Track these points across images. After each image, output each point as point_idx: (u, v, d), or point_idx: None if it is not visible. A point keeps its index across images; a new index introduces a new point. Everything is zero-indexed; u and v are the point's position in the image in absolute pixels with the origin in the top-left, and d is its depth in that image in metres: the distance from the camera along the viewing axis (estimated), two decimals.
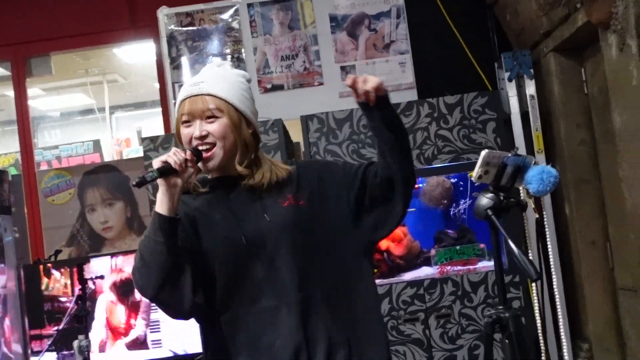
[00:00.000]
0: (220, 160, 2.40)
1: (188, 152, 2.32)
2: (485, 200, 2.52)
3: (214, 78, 2.46)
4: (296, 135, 4.90)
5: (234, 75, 2.49)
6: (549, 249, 4.04)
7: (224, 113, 2.39)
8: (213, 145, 2.39)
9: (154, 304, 2.65)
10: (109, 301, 4.27)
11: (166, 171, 2.27)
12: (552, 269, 4.62)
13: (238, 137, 2.40)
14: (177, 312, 2.37)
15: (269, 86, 5.03)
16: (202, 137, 2.38)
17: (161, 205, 2.27)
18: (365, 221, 2.44)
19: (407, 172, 2.40)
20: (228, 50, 5.06)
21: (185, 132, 2.41)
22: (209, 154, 2.38)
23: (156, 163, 2.28)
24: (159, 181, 2.27)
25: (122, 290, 4.22)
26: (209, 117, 2.39)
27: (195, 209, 2.45)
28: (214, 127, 2.38)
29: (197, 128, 2.39)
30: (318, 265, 2.39)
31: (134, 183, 2.26)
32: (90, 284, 4.05)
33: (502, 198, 2.51)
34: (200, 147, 2.38)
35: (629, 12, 3.59)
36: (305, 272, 2.37)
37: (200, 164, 2.39)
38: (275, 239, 2.37)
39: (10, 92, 6.41)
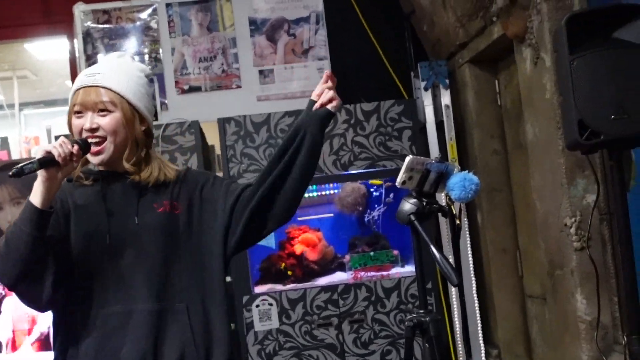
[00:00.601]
0: (110, 155, 2.35)
1: (75, 147, 2.23)
2: (408, 205, 2.55)
3: (111, 70, 2.41)
4: (213, 138, 4.87)
5: (132, 69, 2.45)
6: (469, 255, 4.11)
7: (117, 107, 2.35)
8: (104, 139, 2.34)
9: None
10: (14, 302, 4.19)
11: (48, 162, 2.19)
12: (468, 276, 4.71)
13: (129, 133, 2.36)
14: (33, 303, 2.31)
15: (186, 87, 4.99)
16: (92, 130, 2.33)
17: (35, 196, 2.20)
18: (232, 238, 2.41)
19: (292, 202, 2.41)
20: (146, 50, 5.00)
21: (76, 122, 2.35)
22: (98, 148, 2.33)
23: (39, 152, 2.20)
24: (42, 172, 2.19)
25: None
26: (101, 110, 2.34)
27: (73, 199, 2.40)
28: (106, 121, 2.33)
29: (88, 120, 2.33)
30: (182, 276, 2.36)
31: (11, 173, 2.16)
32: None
33: (424, 204, 2.54)
34: (90, 140, 2.32)
35: (544, 26, 3.68)
36: (166, 282, 2.34)
37: (89, 156, 2.34)
38: (140, 242, 2.34)
39: None
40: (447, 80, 4.91)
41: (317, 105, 2.43)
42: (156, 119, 4.87)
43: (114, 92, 2.35)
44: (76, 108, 2.35)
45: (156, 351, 2.29)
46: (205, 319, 2.35)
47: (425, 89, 4.91)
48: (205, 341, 2.34)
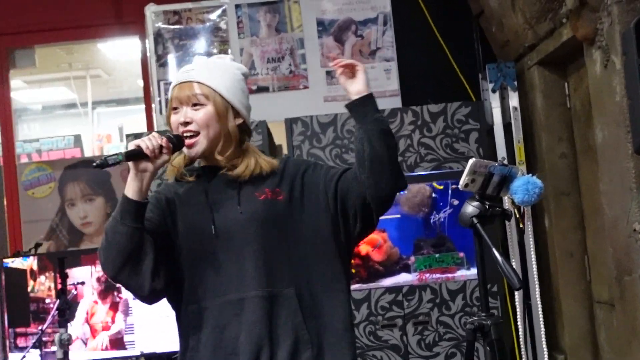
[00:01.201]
0: (204, 148, 2.41)
1: (164, 139, 2.31)
2: (471, 208, 2.55)
3: (205, 66, 2.47)
4: (280, 138, 4.91)
5: (227, 66, 2.50)
6: (533, 259, 4.09)
7: (210, 101, 2.40)
8: (197, 133, 2.40)
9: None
10: (91, 301, 4.27)
11: (135, 155, 2.27)
12: (532, 280, 4.66)
13: (222, 127, 2.41)
14: (136, 293, 2.39)
15: (254, 87, 5.04)
16: (186, 124, 2.39)
17: (129, 188, 2.29)
18: (342, 226, 2.43)
19: (387, 187, 2.37)
20: (215, 50, 5.05)
21: (173, 118, 2.43)
22: (192, 141, 2.40)
23: (130, 145, 2.29)
24: (130, 164, 2.27)
25: (104, 288, 4.23)
26: (195, 105, 2.40)
27: (177, 195, 2.47)
28: (198, 115, 2.39)
29: (182, 114, 2.40)
30: (289, 261, 2.39)
31: (95, 164, 2.25)
32: (72, 289, 4.07)
33: (487, 207, 2.54)
34: (185, 134, 2.39)
35: (614, 28, 3.63)
36: (274, 267, 2.37)
37: (185, 150, 2.41)
38: (245, 231, 2.38)
39: None
40: (516, 82, 4.87)
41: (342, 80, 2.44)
42: None
43: (207, 86, 2.41)
44: (173, 104, 2.44)
45: (271, 336, 2.34)
46: (313, 302, 2.38)
47: (493, 91, 4.87)
48: (316, 325, 2.37)
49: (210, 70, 2.45)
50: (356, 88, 2.39)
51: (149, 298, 2.40)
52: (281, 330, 2.35)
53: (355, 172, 2.38)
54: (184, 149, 2.41)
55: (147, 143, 2.28)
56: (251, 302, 2.34)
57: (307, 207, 2.44)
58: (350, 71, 2.40)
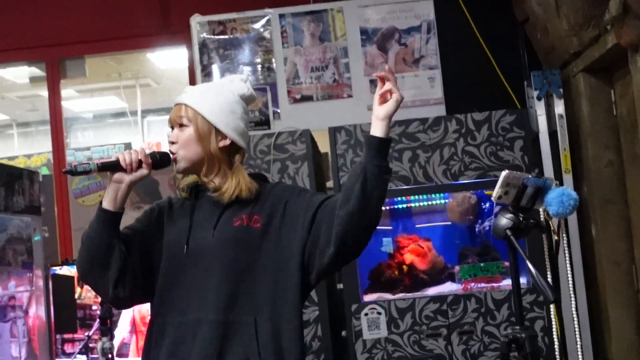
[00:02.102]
0: (184, 166, 2.48)
1: (144, 154, 2.40)
2: (504, 220, 2.54)
3: (197, 88, 2.58)
4: (324, 147, 4.92)
5: (220, 88, 2.57)
6: (568, 270, 4.01)
7: (192, 123, 2.47)
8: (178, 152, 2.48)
9: None
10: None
11: (110, 167, 2.37)
12: (574, 290, 4.60)
13: (203, 148, 2.47)
14: (103, 297, 2.55)
15: (298, 97, 5.06)
16: (171, 143, 2.49)
17: (105, 198, 2.41)
18: (312, 255, 2.42)
19: (361, 226, 2.34)
20: (259, 60, 5.09)
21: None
22: (173, 157, 2.48)
23: (113, 157, 2.40)
24: (109, 174, 2.39)
25: None
26: (180, 125, 2.48)
27: (170, 209, 2.56)
28: (181, 136, 2.47)
29: (172, 134, 2.50)
30: (254, 290, 2.40)
31: (64, 170, 2.38)
32: None
33: (521, 219, 2.52)
34: (171, 153, 2.48)
35: None
36: (236, 294, 2.39)
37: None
38: (213, 255, 2.42)
39: (44, 93, 6.49)
40: (561, 90, 4.82)
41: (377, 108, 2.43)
42: (269, 128, 4.97)
43: (191, 108, 2.48)
44: (169, 124, 2.54)
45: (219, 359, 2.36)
46: (274, 332, 2.39)
47: (539, 98, 4.82)
48: (272, 355, 2.37)
49: (200, 93, 2.54)
50: (380, 112, 2.40)
51: (114, 303, 2.55)
52: (230, 357, 2.36)
53: (335, 202, 2.38)
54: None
55: (126, 156, 2.39)
56: (207, 325, 2.38)
57: (284, 236, 2.45)
58: (389, 94, 2.42)
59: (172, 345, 2.41)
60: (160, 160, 2.45)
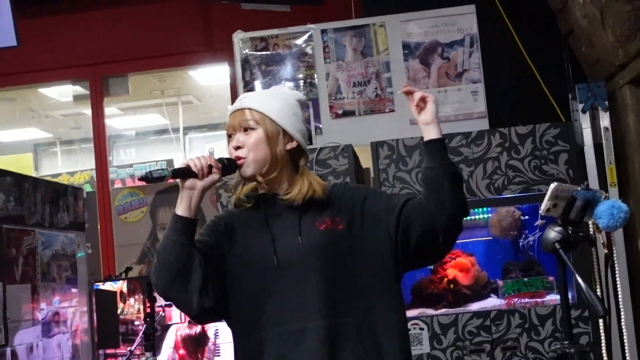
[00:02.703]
0: (252, 170, 2.44)
1: (213, 159, 2.38)
2: (553, 233, 2.50)
3: (257, 94, 2.58)
4: (366, 161, 4.91)
5: (281, 92, 2.58)
6: (619, 285, 3.97)
7: (260, 125, 2.44)
8: (244, 157, 2.44)
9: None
10: (182, 328, 4.35)
11: (182, 173, 2.35)
12: (621, 305, 4.53)
13: (271, 150, 2.44)
14: (185, 310, 2.45)
15: (340, 112, 5.05)
16: (237, 148, 2.44)
17: (178, 206, 2.36)
18: (404, 255, 2.43)
19: (451, 219, 2.38)
20: (301, 75, 5.10)
21: (229, 146, 2.49)
22: (241, 161, 2.43)
23: (179, 164, 2.38)
24: (180, 182, 2.36)
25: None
26: (246, 130, 2.45)
27: (238, 221, 2.51)
28: (249, 139, 2.44)
29: (235, 140, 2.46)
30: (349, 291, 2.39)
31: (140, 177, 2.35)
32: (160, 311, 4.14)
33: (570, 232, 2.49)
34: (237, 158, 2.44)
35: None
36: (333, 298, 2.37)
37: (239, 173, 2.46)
38: (306, 262, 2.39)
39: (88, 111, 6.56)
40: (607, 102, 4.77)
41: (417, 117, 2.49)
42: (310, 143, 4.96)
43: (257, 111, 2.46)
44: (227, 132, 2.51)
45: None
46: (371, 332, 2.37)
47: (584, 111, 4.78)
48: (376, 355, 2.36)
49: (262, 97, 2.52)
50: (424, 118, 2.46)
51: (199, 317, 2.46)
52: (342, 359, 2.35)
53: (419, 201, 2.40)
54: (239, 172, 2.46)
55: (196, 161, 2.36)
56: (312, 332, 2.35)
57: (367, 236, 2.44)
58: (422, 101, 2.46)
59: (278, 358, 2.38)
60: (228, 166, 2.43)
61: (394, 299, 2.43)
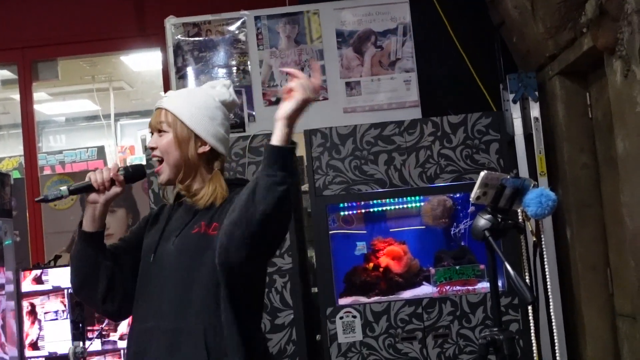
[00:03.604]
0: (168, 175, 2.48)
1: (114, 171, 2.44)
2: (482, 221, 2.52)
3: (177, 94, 2.55)
4: (299, 150, 4.88)
5: (201, 94, 2.55)
6: (547, 272, 3.99)
7: (171, 128, 2.45)
8: (162, 159, 2.48)
9: None
10: None
11: (82, 189, 2.44)
12: (550, 293, 4.59)
13: (182, 154, 2.45)
14: (96, 311, 2.70)
15: (273, 99, 5.03)
16: (152, 149, 2.49)
17: (84, 219, 2.46)
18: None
19: (235, 256, 2.22)
20: (234, 62, 5.06)
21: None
22: (158, 168, 2.49)
23: (86, 178, 2.45)
24: (85, 196, 2.44)
25: None
26: (159, 131, 2.48)
27: (156, 218, 2.60)
28: (162, 142, 2.46)
29: (151, 140, 2.50)
30: (203, 296, 2.36)
31: (37, 199, 2.48)
32: None
33: (499, 220, 2.51)
34: (154, 159, 2.49)
35: (635, 38, 3.58)
36: (188, 302, 2.37)
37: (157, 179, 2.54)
38: (172, 263, 2.42)
39: (16, 96, 6.42)
40: (537, 93, 4.82)
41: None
42: (244, 131, 4.93)
43: (171, 113, 2.47)
44: (149, 129, 2.54)
45: None
46: (219, 340, 2.34)
47: (514, 102, 4.83)
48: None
49: (180, 98, 2.51)
50: (278, 112, 2.19)
51: (106, 316, 2.64)
52: None
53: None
54: (157, 179, 2.53)
55: (97, 176, 2.42)
56: (161, 332, 2.38)
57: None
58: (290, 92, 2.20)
59: (134, 355, 2.44)
60: (132, 175, 2.48)
61: (229, 308, 2.35)
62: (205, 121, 2.47)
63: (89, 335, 4.28)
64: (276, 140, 2.15)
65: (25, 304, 4.50)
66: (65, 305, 4.49)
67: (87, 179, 2.43)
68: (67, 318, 4.40)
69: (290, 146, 2.16)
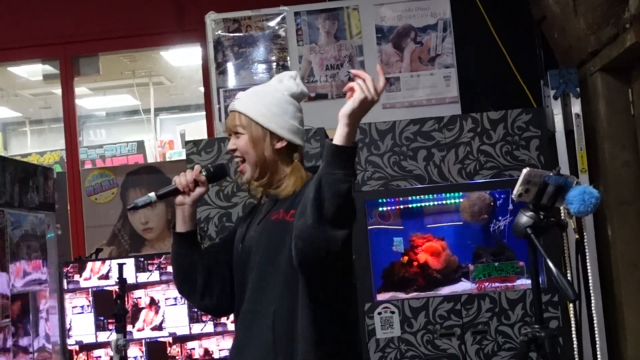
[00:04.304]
0: (250, 174, 2.56)
1: (196, 172, 2.56)
2: (525, 218, 2.52)
3: (247, 95, 2.60)
4: None
5: (271, 90, 2.59)
6: (589, 270, 4.01)
7: (246, 129, 2.53)
8: (243, 159, 2.56)
9: None
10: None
11: (169, 194, 2.58)
12: (591, 291, 4.57)
13: (258, 153, 2.52)
14: (197, 308, 2.85)
15: (313, 95, 5.03)
16: (232, 151, 2.58)
17: (176, 221, 2.61)
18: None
19: (312, 254, 2.26)
20: (273, 58, 5.07)
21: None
22: (241, 167, 2.58)
23: (172, 182, 2.60)
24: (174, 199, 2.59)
25: None
26: (236, 133, 2.56)
27: (248, 214, 2.71)
28: (240, 143, 2.55)
29: (230, 142, 2.58)
30: (278, 280, 2.43)
31: (128, 207, 2.62)
32: None
33: (542, 217, 2.50)
34: (236, 160, 2.58)
35: None
36: (264, 285, 2.46)
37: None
38: (255, 251, 2.51)
39: (58, 90, 6.48)
40: (578, 89, 4.79)
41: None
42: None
43: (245, 115, 2.54)
44: (226, 132, 2.64)
45: (247, 347, 2.47)
46: (290, 323, 2.40)
47: (555, 98, 4.80)
48: (288, 346, 2.38)
49: (249, 98, 2.58)
50: (341, 111, 2.22)
51: (207, 313, 2.84)
52: (251, 345, 2.46)
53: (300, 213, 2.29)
54: (238, 180, 2.66)
55: (182, 179, 2.56)
56: (245, 314, 2.51)
57: None
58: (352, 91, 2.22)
59: (235, 340, 2.58)
60: (214, 174, 2.61)
61: (303, 294, 2.38)
62: (277, 118, 2.52)
63: (203, 318, 4.38)
64: (339, 140, 2.18)
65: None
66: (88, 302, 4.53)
67: (172, 183, 2.57)
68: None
69: (349, 146, 2.18)
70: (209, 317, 4.28)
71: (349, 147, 2.18)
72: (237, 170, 2.61)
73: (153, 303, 4.40)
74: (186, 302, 4.33)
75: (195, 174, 2.56)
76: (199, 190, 2.57)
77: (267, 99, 2.54)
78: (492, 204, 4.79)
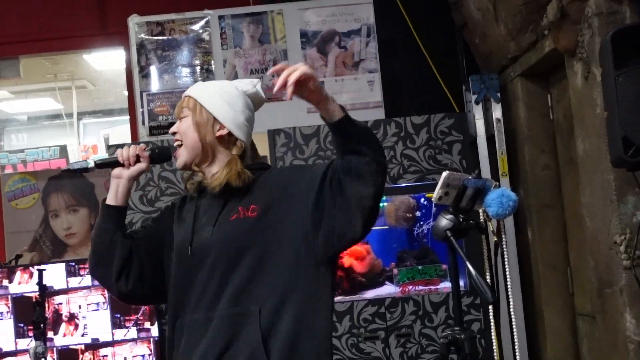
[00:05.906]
0: (185, 158, 2.52)
1: (141, 148, 2.51)
2: (444, 221, 2.54)
3: (206, 84, 2.62)
4: (263, 149, 4.87)
5: (224, 83, 2.63)
6: (508, 272, 4.04)
7: (192, 112, 2.51)
8: (181, 144, 2.52)
9: None
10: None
11: (108, 164, 2.52)
12: (510, 292, 4.63)
13: (200, 137, 2.49)
14: (108, 291, 2.76)
15: None
16: (173, 134, 2.55)
17: (108, 193, 2.53)
18: (324, 230, 2.34)
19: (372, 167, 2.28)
20: (197, 62, 5.04)
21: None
22: (177, 152, 2.54)
23: (115, 154, 2.53)
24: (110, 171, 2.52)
25: None
26: (182, 117, 2.53)
27: (181, 209, 2.61)
28: (181, 126, 2.53)
29: (173, 126, 2.56)
30: (260, 279, 2.38)
31: (63, 169, 2.57)
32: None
33: (461, 220, 2.53)
34: (175, 144, 2.53)
35: (595, 40, 3.63)
36: (239, 287, 2.38)
37: (175, 163, 2.58)
38: (215, 253, 2.42)
39: None
40: (499, 94, 4.87)
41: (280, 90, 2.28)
42: None
43: (192, 98, 2.54)
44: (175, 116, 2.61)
45: (225, 352, 2.37)
46: (278, 319, 2.36)
47: (477, 103, 4.87)
48: (279, 343, 2.35)
49: (205, 87, 2.58)
50: (310, 97, 2.28)
51: (120, 298, 2.60)
52: (236, 347, 2.36)
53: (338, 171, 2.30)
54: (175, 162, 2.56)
55: (123, 151, 2.50)
56: (217, 321, 2.39)
57: (286, 219, 2.41)
58: (301, 81, 2.23)
59: (186, 346, 2.44)
60: (158, 155, 2.55)
61: (313, 279, 2.39)
62: (224, 107, 2.50)
63: (127, 324, 4.27)
64: (330, 116, 2.28)
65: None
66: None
67: (115, 155, 2.50)
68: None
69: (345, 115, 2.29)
70: (132, 323, 4.21)
71: (340, 119, 2.28)
72: (173, 155, 2.57)
73: (75, 309, 4.34)
74: (109, 307, 4.27)
75: (139, 149, 2.51)
76: (139, 165, 2.51)
77: (219, 89, 2.54)
78: (415, 207, 4.83)
